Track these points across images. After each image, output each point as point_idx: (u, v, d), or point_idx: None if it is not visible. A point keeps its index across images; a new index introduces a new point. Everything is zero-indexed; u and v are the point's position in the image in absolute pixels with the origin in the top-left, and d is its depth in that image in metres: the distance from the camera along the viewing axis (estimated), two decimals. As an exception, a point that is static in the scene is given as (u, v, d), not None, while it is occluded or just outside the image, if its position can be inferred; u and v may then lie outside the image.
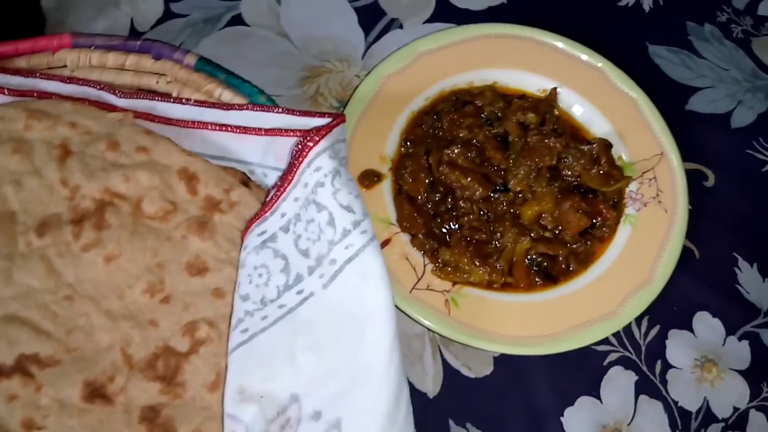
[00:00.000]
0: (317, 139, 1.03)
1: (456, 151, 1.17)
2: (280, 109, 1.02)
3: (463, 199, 1.16)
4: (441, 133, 1.26)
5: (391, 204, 1.19)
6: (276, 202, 0.96)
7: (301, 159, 1.03)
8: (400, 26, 1.39)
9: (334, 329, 0.85)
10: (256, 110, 1.02)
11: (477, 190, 1.16)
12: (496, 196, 1.20)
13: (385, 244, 1.14)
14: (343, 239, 0.93)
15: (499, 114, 1.26)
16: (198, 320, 0.91)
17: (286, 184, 0.99)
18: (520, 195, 1.20)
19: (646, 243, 1.17)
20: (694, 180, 1.27)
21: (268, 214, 0.94)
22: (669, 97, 1.33)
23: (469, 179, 1.16)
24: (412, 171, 1.20)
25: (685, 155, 1.25)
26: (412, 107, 1.28)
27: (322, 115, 1.04)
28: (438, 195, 1.19)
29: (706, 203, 1.27)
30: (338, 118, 1.01)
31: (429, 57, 1.30)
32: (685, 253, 1.18)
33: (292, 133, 1.00)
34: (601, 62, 1.32)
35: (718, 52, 1.42)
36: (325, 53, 1.35)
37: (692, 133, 1.34)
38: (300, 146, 1.05)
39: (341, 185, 0.96)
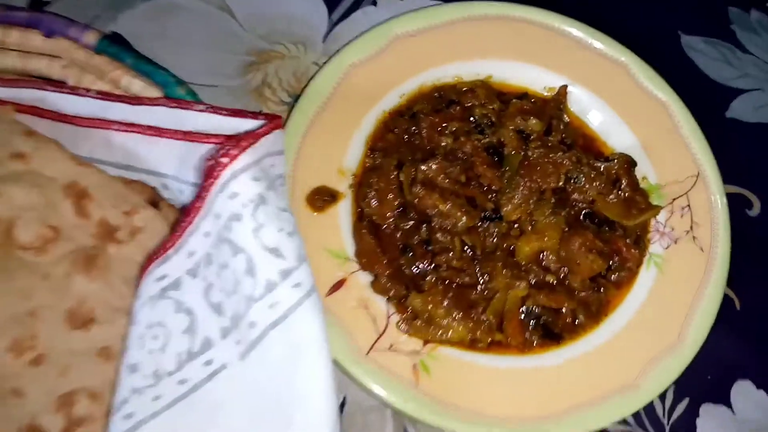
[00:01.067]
0: (235, 153, 0.77)
1: (434, 166, 0.98)
2: (203, 107, 0.87)
3: (442, 231, 0.97)
4: (418, 141, 1.06)
5: (348, 233, 1.00)
6: (181, 236, 0.79)
7: (211, 180, 0.75)
8: (373, 2, 1.21)
9: (252, 416, 0.70)
10: (173, 106, 0.86)
11: (460, 220, 0.97)
12: (485, 226, 1.00)
13: (337, 287, 0.95)
14: (267, 295, 0.76)
15: (493, 118, 1.08)
16: (77, 390, 0.74)
17: (193, 214, 0.81)
18: (516, 226, 1.00)
19: (676, 292, 0.99)
20: (734, 207, 1.09)
21: (170, 252, 0.77)
22: (706, 102, 1.16)
23: (449, 205, 0.97)
24: (379, 190, 1.01)
25: (726, 176, 1.07)
26: (383, 106, 1.09)
27: (256, 115, 0.87)
28: (410, 223, 1.00)
29: (750, 238, 1.09)
30: (272, 121, 0.84)
31: (407, 42, 1.10)
32: (723, 303, 0.99)
33: (216, 140, 0.84)
34: (624, 55, 1.12)
35: (767, 45, 1.26)
36: (277, 34, 1.17)
37: (734, 147, 1.18)
38: (211, 162, 0.77)
39: (267, 218, 0.78)
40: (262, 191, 0.76)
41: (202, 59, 1.12)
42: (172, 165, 0.86)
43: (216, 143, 0.85)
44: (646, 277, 1.01)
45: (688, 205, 1.05)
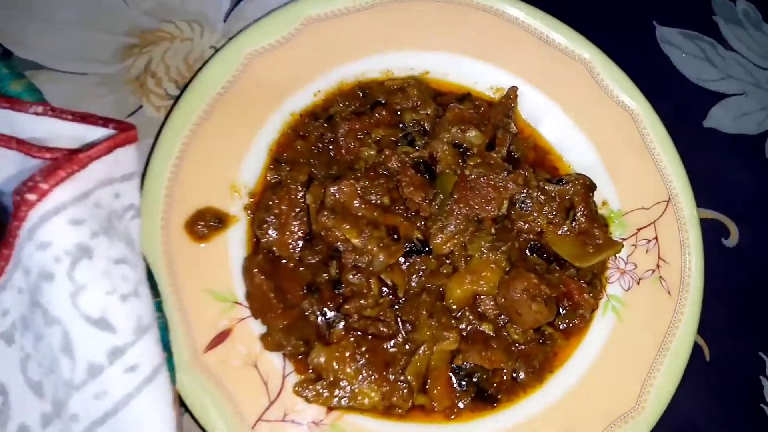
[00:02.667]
0: (44, 187, 0.56)
1: (345, 189, 0.84)
2: (41, 109, 0.68)
3: (355, 270, 0.83)
4: (334, 152, 0.92)
5: (238, 269, 0.84)
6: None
7: (17, 224, 0.54)
8: (289, -26, 1.00)
9: None
10: (3, 107, 0.68)
11: (377, 257, 0.83)
12: (410, 261, 0.86)
13: (219, 339, 0.80)
14: (91, 382, 0.59)
15: (427, 126, 0.94)
16: None
17: (2, 261, 0.62)
18: (447, 262, 0.87)
19: (636, 345, 0.88)
20: (709, 236, 0.96)
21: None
22: (681, 108, 1.06)
23: (364, 238, 0.82)
24: (280, 214, 0.86)
25: (700, 198, 0.95)
26: (292, 106, 0.93)
27: (106, 123, 0.70)
28: (317, 258, 0.86)
29: (724, 273, 0.97)
30: (122, 133, 0.67)
31: (324, 26, 0.94)
32: (692, 353, 0.89)
33: (50, 154, 0.64)
34: (586, 50, 0.98)
35: (754, 42, 1.10)
36: (167, 10, 1.00)
37: (711, 163, 1.04)
38: (17, 198, 0.56)
39: (91, 278, 0.60)
40: (83, 240, 0.56)
41: (70, 40, 0.96)
42: (2, 178, 0.69)
43: (50, 158, 0.66)
44: (601, 325, 0.90)
45: (656, 238, 0.93)
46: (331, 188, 0.82)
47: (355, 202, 0.83)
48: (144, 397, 0.58)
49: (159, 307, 0.73)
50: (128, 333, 0.60)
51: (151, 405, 0.59)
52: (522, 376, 0.85)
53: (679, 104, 1.06)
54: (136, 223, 0.70)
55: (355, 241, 0.80)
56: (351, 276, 0.81)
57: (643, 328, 0.88)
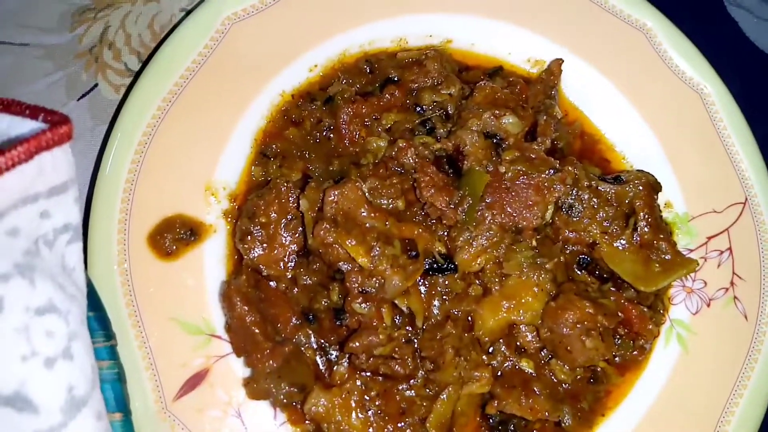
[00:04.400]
0: None
1: (348, 193, 0.68)
2: None
3: (361, 296, 0.67)
4: (335, 142, 0.78)
5: (216, 292, 0.70)
6: None
7: None
8: None
9: None
10: None
11: (390, 281, 0.67)
12: (431, 281, 0.71)
13: (193, 383, 0.66)
14: None
15: (450, 109, 0.78)
16: None
17: None
18: (477, 282, 0.72)
19: (706, 381, 0.76)
20: None
21: None
22: (754, 85, 0.88)
23: (373, 254, 0.66)
24: (269, 224, 0.71)
25: None
26: (282, 84, 0.79)
27: (36, 113, 0.53)
28: (314, 278, 0.72)
29: None
30: (53, 130, 0.51)
31: None
32: None
33: None
34: (648, 16, 0.82)
35: None
36: None
37: None
38: None
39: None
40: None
41: (5, 1, 0.81)
42: None
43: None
44: (663, 356, 0.78)
45: (729, 249, 0.79)
46: (332, 194, 0.65)
47: (362, 210, 0.66)
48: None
49: (111, 353, 0.57)
50: (55, 412, 0.44)
51: None
52: (568, 421, 0.73)
53: (750, 81, 0.89)
54: (74, 248, 0.54)
55: (363, 260, 0.65)
56: (357, 304, 0.66)
57: (714, 361, 0.77)
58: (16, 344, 0.44)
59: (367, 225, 0.68)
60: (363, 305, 0.67)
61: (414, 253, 0.68)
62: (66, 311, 0.48)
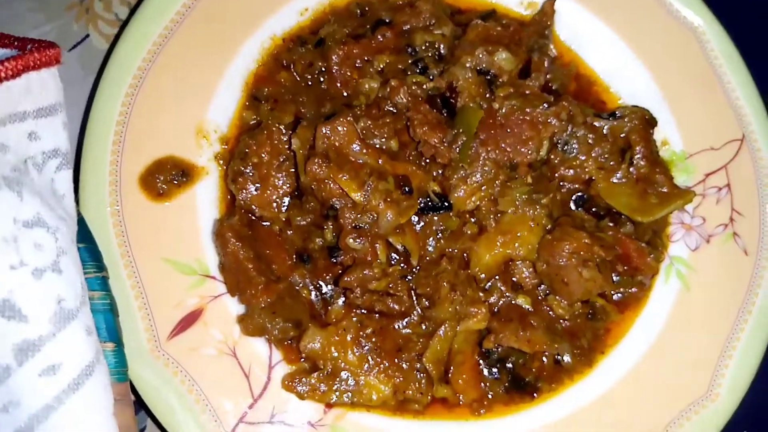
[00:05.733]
0: None
1: (340, 128, 0.67)
2: None
3: (355, 232, 0.67)
4: (327, 85, 0.78)
5: (209, 233, 0.70)
6: None
7: None
8: None
9: None
10: None
11: (384, 216, 0.66)
12: (426, 220, 0.71)
13: (187, 322, 0.66)
14: None
15: (443, 50, 0.77)
16: None
17: None
18: (472, 220, 0.72)
19: (707, 317, 0.75)
20: None
21: None
22: (752, 23, 0.86)
23: (366, 189, 0.66)
24: (260, 164, 0.71)
25: None
26: (273, 27, 0.78)
27: (23, 45, 0.53)
28: (308, 218, 0.71)
29: None
30: (38, 52, 0.52)
31: None
32: None
33: None
34: None
35: None
36: None
37: None
38: None
39: None
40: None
41: None
42: None
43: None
44: (663, 293, 0.75)
45: (728, 185, 0.78)
46: (323, 128, 0.65)
47: (354, 145, 0.65)
48: (69, 410, 0.42)
49: (103, 285, 0.57)
50: (43, 322, 0.43)
51: (80, 419, 0.42)
52: (567, 359, 0.72)
53: (749, 19, 0.88)
54: (64, 174, 0.54)
55: (356, 195, 0.64)
56: (351, 240, 0.65)
57: (714, 297, 0.75)
58: (5, 253, 0.43)
59: (360, 161, 0.67)
60: (357, 241, 0.66)
61: (408, 189, 0.67)
62: (55, 228, 0.48)
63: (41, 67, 0.50)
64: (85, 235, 0.57)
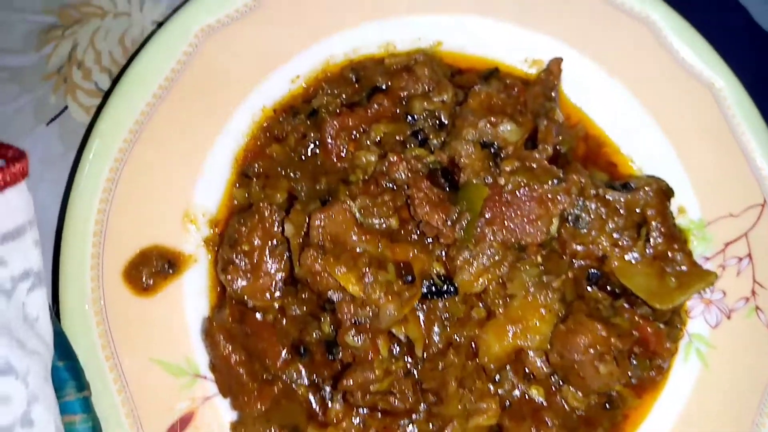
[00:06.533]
0: None
1: (336, 216, 0.63)
2: None
3: (354, 328, 0.62)
4: (322, 159, 0.73)
5: (198, 330, 0.65)
6: None
7: None
8: None
9: None
10: None
11: (385, 309, 0.61)
12: (430, 305, 0.65)
13: (180, 427, 0.61)
14: None
15: (443, 118, 0.72)
16: None
17: None
18: (480, 304, 0.67)
19: (730, 398, 0.70)
20: None
21: None
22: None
23: (366, 281, 0.61)
24: (252, 251, 0.66)
25: None
26: (262, 98, 0.74)
27: None
28: (303, 308, 0.67)
29: None
30: (7, 165, 0.48)
31: None
32: None
33: None
34: (654, 9, 0.75)
35: None
36: None
37: None
38: None
39: None
40: None
41: None
42: None
43: None
44: (682, 374, 0.71)
45: (749, 255, 0.73)
46: (318, 217, 0.60)
47: (351, 234, 0.61)
48: None
49: (85, 405, 0.53)
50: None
51: None
52: None
53: (763, 72, 0.83)
54: (36, 294, 0.50)
55: (354, 289, 0.60)
56: (350, 337, 0.61)
57: (737, 377, 0.71)
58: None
59: (358, 249, 0.63)
60: (356, 338, 0.62)
61: (410, 278, 0.63)
62: (25, 372, 0.43)
63: (6, 188, 0.46)
64: (64, 352, 0.53)
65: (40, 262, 0.50)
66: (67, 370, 0.53)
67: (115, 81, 0.75)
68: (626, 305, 0.69)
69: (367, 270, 0.62)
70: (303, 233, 0.65)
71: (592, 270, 0.70)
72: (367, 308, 0.62)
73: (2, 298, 0.47)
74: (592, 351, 0.62)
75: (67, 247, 0.63)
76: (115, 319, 0.62)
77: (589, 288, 0.70)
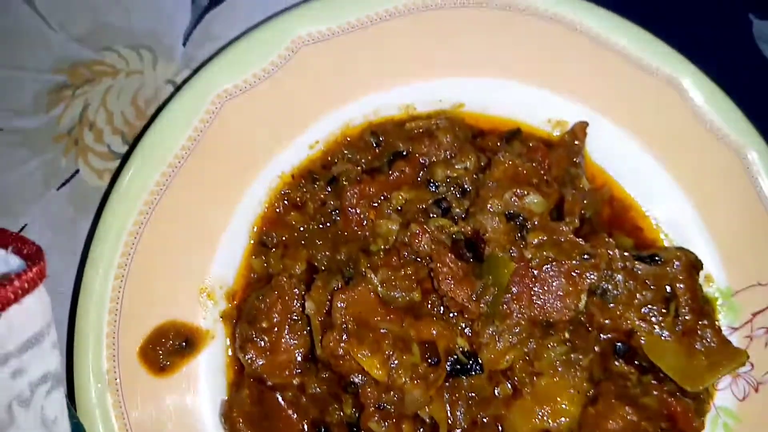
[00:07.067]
0: None
1: (359, 297, 0.60)
2: None
3: (378, 413, 0.60)
4: (342, 227, 0.71)
5: (216, 411, 0.63)
6: None
7: None
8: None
9: None
10: None
11: (410, 394, 0.59)
12: (455, 383, 0.63)
13: None
14: None
15: (467, 185, 0.71)
16: None
17: None
18: (506, 381, 0.65)
19: None
20: None
21: None
22: None
23: (390, 365, 0.59)
24: (271, 327, 0.64)
25: None
26: (281, 164, 0.72)
27: (6, 239, 0.47)
28: (324, 386, 0.65)
29: None
30: (28, 272, 0.44)
31: (318, 50, 0.72)
32: None
33: None
34: (682, 71, 0.74)
35: None
36: (107, 32, 0.78)
37: None
38: None
39: None
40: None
41: None
42: None
43: None
44: None
45: None
46: (340, 300, 0.58)
47: (375, 315, 0.59)
48: None
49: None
50: None
51: None
52: None
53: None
54: (55, 396, 0.48)
55: (378, 374, 0.58)
56: (374, 423, 0.59)
57: None
58: None
59: (382, 330, 0.61)
60: (381, 425, 0.60)
61: (435, 360, 0.62)
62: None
63: (24, 295, 0.44)
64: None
65: (59, 363, 0.48)
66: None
67: (129, 146, 0.73)
68: (654, 382, 0.68)
69: (392, 353, 0.61)
70: (324, 311, 0.63)
71: (619, 344, 0.69)
72: (392, 393, 0.61)
73: (21, 409, 0.45)
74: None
75: (79, 330, 0.61)
76: (130, 400, 0.60)
77: (616, 362, 0.69)
